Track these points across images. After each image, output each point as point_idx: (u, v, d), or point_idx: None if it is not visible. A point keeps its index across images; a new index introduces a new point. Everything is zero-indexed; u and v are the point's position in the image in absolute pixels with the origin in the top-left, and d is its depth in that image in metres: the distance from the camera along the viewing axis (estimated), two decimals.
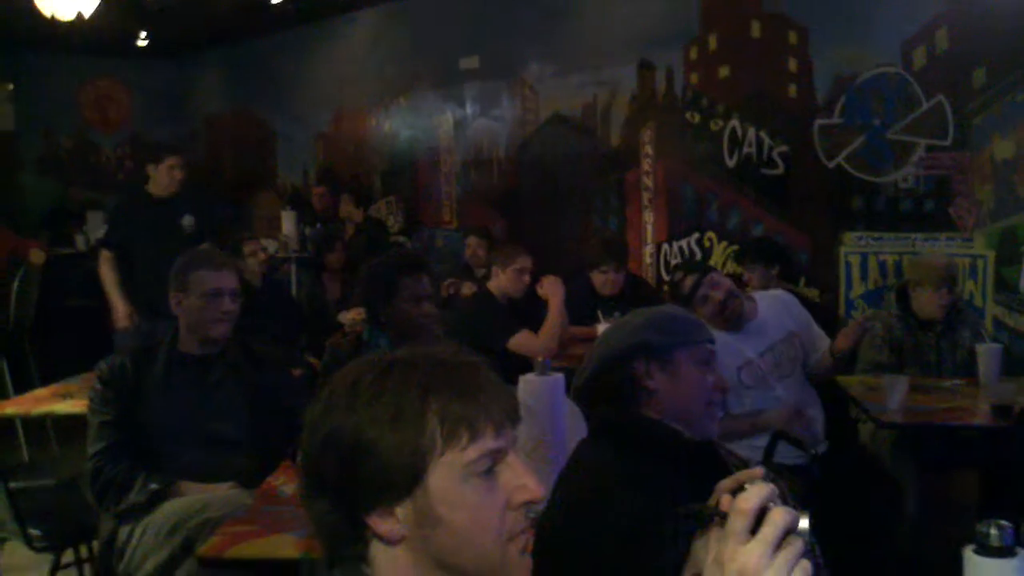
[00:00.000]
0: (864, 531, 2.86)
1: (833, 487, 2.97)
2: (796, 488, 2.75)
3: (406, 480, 1.06)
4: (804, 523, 0.93)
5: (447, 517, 1.06)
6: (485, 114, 7.76)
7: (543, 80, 7.27)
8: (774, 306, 3.69)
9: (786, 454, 3.13)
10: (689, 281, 3.53)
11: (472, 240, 6.34)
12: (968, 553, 1.12)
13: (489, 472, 1.08)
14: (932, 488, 3.44)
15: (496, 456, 1.09)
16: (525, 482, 1.11)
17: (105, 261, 5.32)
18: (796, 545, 0.92)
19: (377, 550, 1.10)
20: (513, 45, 7.42)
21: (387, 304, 3.07)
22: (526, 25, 7.31)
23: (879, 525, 2.95)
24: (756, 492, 0.95)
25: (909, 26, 5.18)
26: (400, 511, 1.07)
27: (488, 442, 1.08)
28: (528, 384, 2.44)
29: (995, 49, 4.88)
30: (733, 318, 3.52)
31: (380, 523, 1.07)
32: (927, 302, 3.96)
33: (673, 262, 6.35)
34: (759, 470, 1.13)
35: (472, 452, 1.07)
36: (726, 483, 1.10)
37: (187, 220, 5.35)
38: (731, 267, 5.86)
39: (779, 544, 0.92)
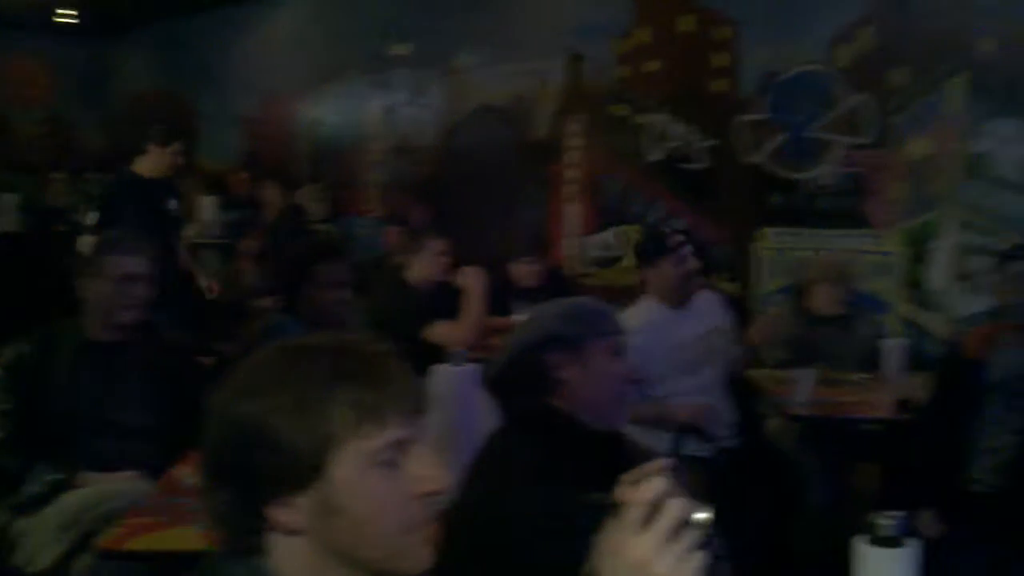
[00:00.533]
0: (768, 523, 2.92)
1: (739, 479, 3.02)
2: (701, 480, 2.79)
3: (308, 470, 1.04)
4: (703, 515, 0.94)
5: (349, 507, 1.04)
6: (413, 102, 7.71)
7: (472, 69, 7.24)
8: (710, 299, 3.76)
9: (693, 446, 3.17)
10: (677, 237, 3.55)
11: (390, 229, 6.28)
12: (857, 543, 1.15)
13: (394, 462, 1.06)
14: (836, 481, 3.52)
15: (402, 446, 1.07)
16: (431, 472, 1.09)
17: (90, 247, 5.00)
18: (690, 537, 0.92)
19: (277, 541, 1.07)
20: (443, 33, 7.38)
21: (301, 290, 3.04)
22: (457, 13, 7.28)
23: (783, 517, 3.01)
24: (652, 484, 0.96)
25: (836, 24, 5.28)
26: (301, 501, 1.04)
27: (394, 432, 1.06)
28: (442, 374, 2.44)
29: (917, 49, 5.00)
30: (690, 293, 3.56)
31: (281, 513, 1.05)
32: (823, 298, 4.10)
33: (595, 255, 6.39)
34: (661, 462, 1.13)
35: (377, 441, 1.05)
36: (627, 475, 1.10)
37: (172, 203, 5.15)
38: None
39: (673, 536, 0.92)
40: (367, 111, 8.06)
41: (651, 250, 3.54)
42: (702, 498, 0.96)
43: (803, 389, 3.44)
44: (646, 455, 1.99)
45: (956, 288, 4.90)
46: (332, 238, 6.57)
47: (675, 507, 0.94)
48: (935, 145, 5.00)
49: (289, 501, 1.04)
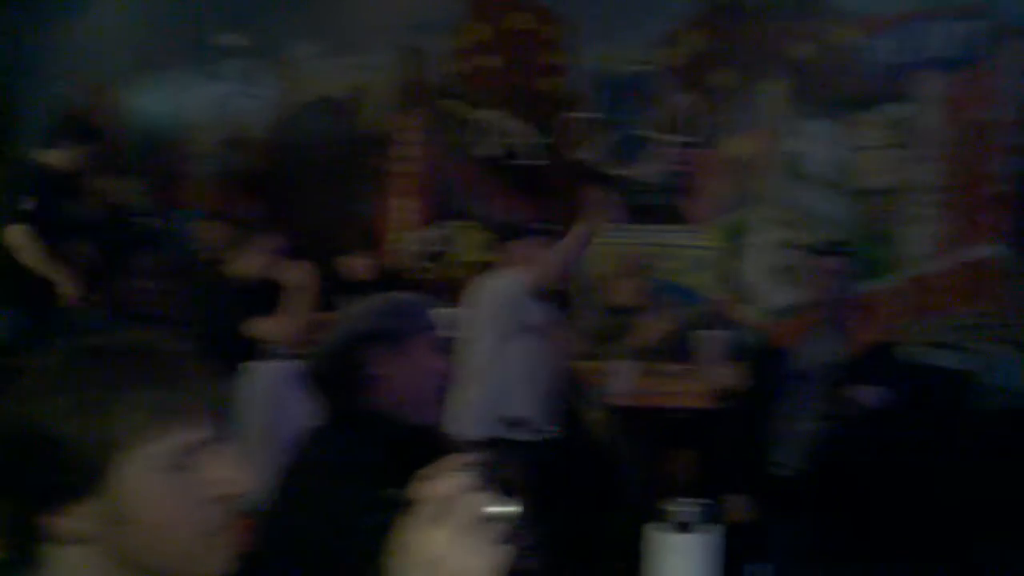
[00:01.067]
0: (588, 512, 2.99)
1: (560, 469, 3.08)
2: (520, 471, 2.82)
3: (91, 475, 0.99)
4: (509, 508, 0.93)
5: (139, 514, 1.01)
6: (245, 93, 7.51)
7: (306, 60, 7.11)
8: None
9: (517, 435, 3.22)
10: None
11: (209, 223, 6.06)
12: (649, 529, 1.18)
13: (187, 465, 1.03)
14: (653, 468, 3.64)
15: (197, 448, 1.04)
16: (229, 474, 1.06)
17: (25, 235, 4.36)
18: (489, 531, 0.92)
19: (61, 550, 1.03)
20: (277, 23, 7.22)
21: (113, 284, 2.92)
22: (291, 4, 7.13)
23: (600, 505, 3.09)
24: (445, 479, 0.96)
25: (665, 26, 5.46)
26: (86, 508, 1.00)
27: (187, 434, 1.02)
28: (261, 371, 2.38)
29: (743, 51, 5.23)
30: (555, 282, 3.69)
31: (64, 522, 1.00)
32: (623, 290, 4.28)
33: (426, 249, 6.39)
34: (463, 457, 1.13)
35: (167, 445, 1.01)
36: (427, 470, 1.10)
37: (68, 203, 4.73)
38: (482, 256, 5.94)
39: (468, 530, 0.92)
40: (196, 102, 7.79)
41: (534, 229, 3.63)
42: (520, 488, 0.95)
43: (622, 379, 3.55)
44: (459, 449, 2.01)
45: (769, 281, 5.15)
46: (150, 231, 6.32)
47: (471, 501, 0.93)
48: (753, 144, 5.24)
49: (72, 508, 1.00)
